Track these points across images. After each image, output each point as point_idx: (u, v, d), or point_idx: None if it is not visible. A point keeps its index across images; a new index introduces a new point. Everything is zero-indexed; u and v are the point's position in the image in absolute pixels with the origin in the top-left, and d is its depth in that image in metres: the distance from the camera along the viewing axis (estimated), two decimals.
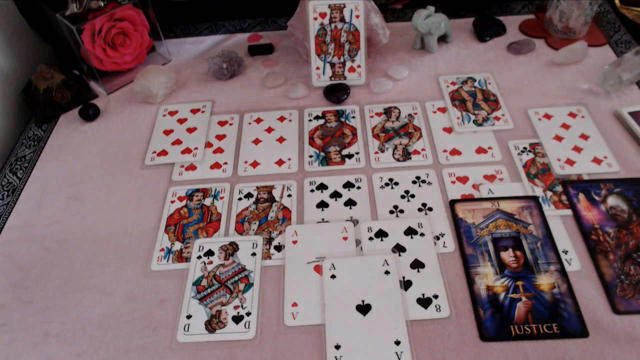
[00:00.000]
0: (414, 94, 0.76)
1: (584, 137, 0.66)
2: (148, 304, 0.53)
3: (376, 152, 0.67)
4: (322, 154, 0.67)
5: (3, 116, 0.77)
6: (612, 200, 0.58)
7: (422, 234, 0.56)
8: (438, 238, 0.56)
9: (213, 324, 0.50)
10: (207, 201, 0.62)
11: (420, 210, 0.59)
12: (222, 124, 0.73)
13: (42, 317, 0.53)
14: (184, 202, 0.63)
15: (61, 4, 0.73)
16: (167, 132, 0.72)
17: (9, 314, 0.53)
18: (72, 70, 0.82)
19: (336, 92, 0.74)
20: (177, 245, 0.58)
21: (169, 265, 0.56)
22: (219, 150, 0.69)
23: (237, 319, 0.51)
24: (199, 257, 0.56)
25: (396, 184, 0.63)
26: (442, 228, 0.57)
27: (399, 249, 0.55)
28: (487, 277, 0.52)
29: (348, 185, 0.63)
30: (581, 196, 0.59)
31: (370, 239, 0.56)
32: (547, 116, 0.69)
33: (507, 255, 0.54)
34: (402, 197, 0.61)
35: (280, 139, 0.70)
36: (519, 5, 0.92)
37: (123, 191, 0.65)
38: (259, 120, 0.73)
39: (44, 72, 0.76)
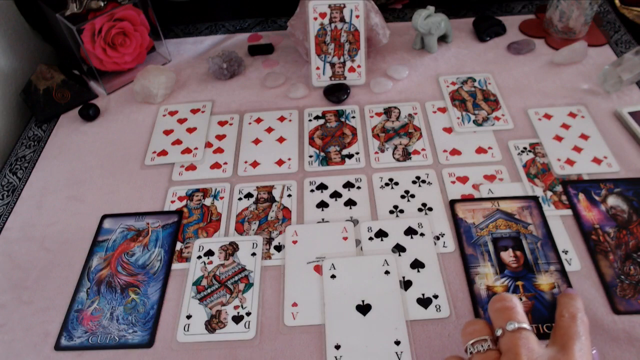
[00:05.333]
0: (414, 94, 0.76)
1: (584, 137, 0.66)
2: None
3: (376, 152, 0.67)
4: (322, 154, 0.67)
5: (3, 116, 0.77)
6: (612, 200, 0.58)
7: (422, 234, 0.56)
8: (438, 238, 0.56)
9: (213, 324, 0.50)
10: (207, 201, 0.62)
11: (420, 210, 0.59)
12: (222, 124, 0.73)
13: (42, 317, 0.53)
14: (184, 202, 0.63)
15: (61, 4, 0.73)
16: (167, 132, 0.72)
17: (9, 314, 0.53)
18: (72, 70, 0.82)
19: (336, 92, 0.74)
20: (177, 245, 0.58)
21: None
22: (219, 150, 0.69)
23: (237, 319, 0.51)
24: (199, 257, 0.56)
25: (396, 184, 0.63)
26: (442, 228, 0.57)
27: (399, 249, 0.55)
28: (487, 277, 0.52)
29: (348, 185, 0.63)
30: (581, 196, 0.59)
31: (370, 239, 0.56)
32: (547, 116, 0.69)
33: (507, 255, 0.54)
34: (402, 197, 0.61)
35: (280, 139, 0.70)
36: (519, 5, 0.92)
37: (123, 191, 0.65)
38: (259, 120, 0.73)
39: (44, 72, 0.76)
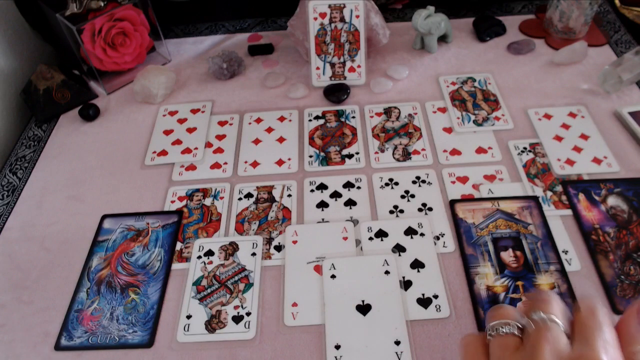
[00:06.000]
0: (414, 94, 0.76)
1: (584, 137, 0.66)
2: None
3: (376, 152, 0.67)
4: (322, 154, 0.67)
5: (3, 116, 0.77)
6: (612, 200, 0.58)
7: (422, 234, 0.56)
8: (438, 238, 0.56)
9: (213, 324, 0.50)
10: (207, 201, 0.62)
11: (420, 210, 0.59)
12: (222, 124, 0.73)
13: (42, 317, 0.53)
14: (184, 202, 0.63)
15: (61, 4, 0.73)
16: (167, 132, 0.72)
17: (9, 314, 0.53)
18: (72, 70, 0.82)
19: (336, 92, 0.74)
20: (177, 245, 0.58)
21: None
22: (219, 150, 0.69)
23: (237, 319, 0.51)
24: (199, 257, 0.56)
25: (396, 184, 0.63)
26: (442, 228, 0.57)
27: (399, 249, 0.55)
28: (487, 277, 0.52)
29: (348, 185, 0.63)
30: (581, 196, 0.59)
31: (370, 239, 0.56)
32: (547, 116, 0.69)
33: (507, 255, 0.54)
34: (402, 197, 0.61)
35: (280, 139, 0.70)
36: (519, 5, 0.92)
37: (123, 191, 0.65)
38: (259, 120, 0.73)
39: (44, 72, 0.76)
